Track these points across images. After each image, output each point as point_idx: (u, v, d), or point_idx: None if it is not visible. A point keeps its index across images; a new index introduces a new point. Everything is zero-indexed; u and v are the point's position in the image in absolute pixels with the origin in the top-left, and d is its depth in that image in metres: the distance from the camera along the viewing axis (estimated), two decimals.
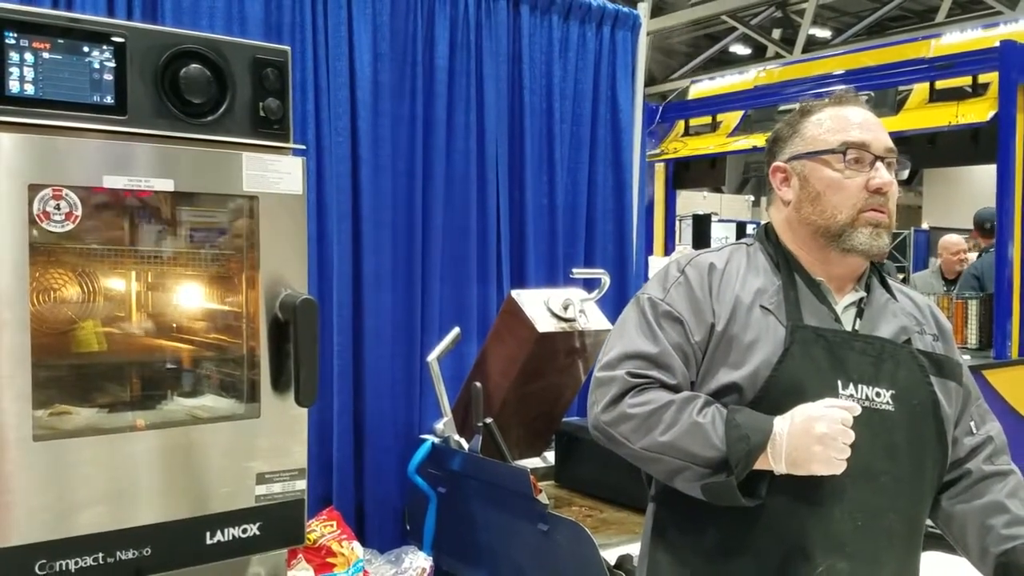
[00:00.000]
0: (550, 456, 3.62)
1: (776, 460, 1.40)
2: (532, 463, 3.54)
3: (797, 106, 1.66)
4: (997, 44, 4.39)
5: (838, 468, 1.39)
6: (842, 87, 1.65)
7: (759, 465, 1.41)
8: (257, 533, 2.05)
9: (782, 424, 1.40)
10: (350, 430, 3.30)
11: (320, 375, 3.16)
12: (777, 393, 1.45)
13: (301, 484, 2.09)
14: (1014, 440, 4.77)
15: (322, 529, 2.76)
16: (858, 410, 1.40)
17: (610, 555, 2.63)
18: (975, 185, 12.13)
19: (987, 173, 4.51)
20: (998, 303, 4.42)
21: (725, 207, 13.86)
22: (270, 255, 2.03)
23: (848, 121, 1.54)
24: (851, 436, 1.38)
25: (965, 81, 4.52)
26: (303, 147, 2.14)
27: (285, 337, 2.01)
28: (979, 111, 4.34)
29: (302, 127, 3.10)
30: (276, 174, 2.03)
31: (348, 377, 3.28)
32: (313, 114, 3.15)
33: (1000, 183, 4.41)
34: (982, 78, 4.42)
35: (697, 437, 1.42)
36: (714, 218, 11.11)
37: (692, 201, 12.87)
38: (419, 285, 3.46)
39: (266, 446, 2.05)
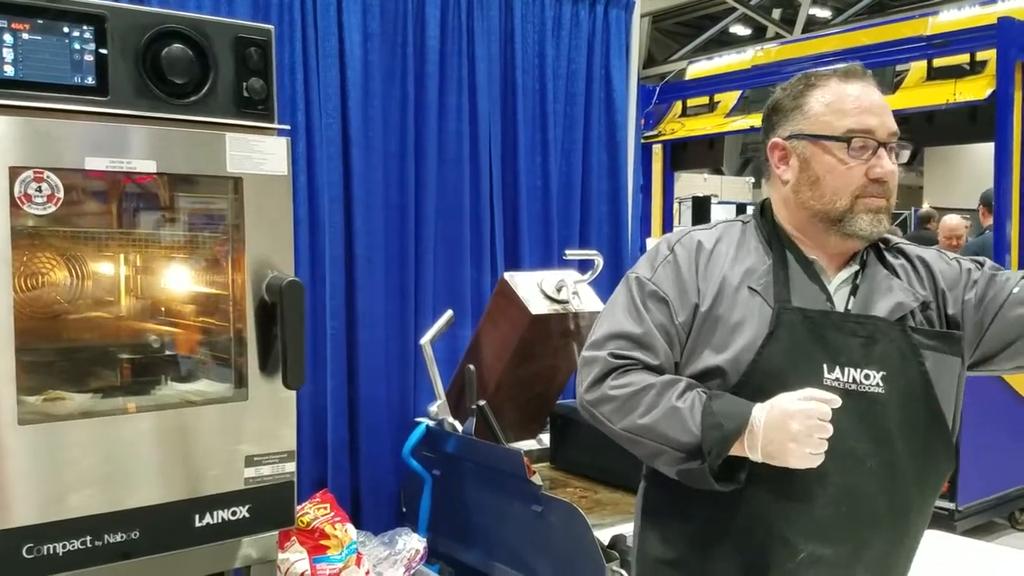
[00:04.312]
0: (545, 438, 3.62)
1: (752, 450, 1.38)
2: (527, 445, 3.55)
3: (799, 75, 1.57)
4: (995, 21, 4.34)
5: (814, 462, 1.36)
6: (847, 63, 1.55)
7: (737, 451, 1.39)
8: (247, 516, 2.05)
9: (760, 413, 1.38)
10: (344, 413, 3.30)
11: (313, 358, 3.19)
12: (760, 377, 1.43)
13: (290, 466, 2.09)
14: (1013, 420, 4.77)
15: (315, 512, 2.76)
16: (838, 402, 1.36)
17: (604, 535, 2.64)
18: (975, 164, 12.07)
19: (987, 152, 4.47)
20: None
21: (725, 189, 13.81)
22: (255, 237, 2.02)
23: (854, 103, 1.47)
24: (828, 431, 1.34)
25: (963, 59, 4.48)
26: (288, 127, 2.12)
27: (272, 319, 2.00)
28: (977, 89, 4.30)
29: (291, 109, 3.08)
30: (260, 155, 2.01)
31: (341, 360, 3.28)
32: (303, 96, 3.13)
33: (998, 161, 4.37)
34: (980, 55, 4.38)
35: (674, 421, 1.41)
36: (714, 200, 11.09)
37: (692, 183, 12.83)
38: (412, 268, 3.45)
39: (255, 429, 2.05)
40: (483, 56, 3.57)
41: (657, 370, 1.48)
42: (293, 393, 2.07)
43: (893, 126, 1.49)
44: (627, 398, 1.45)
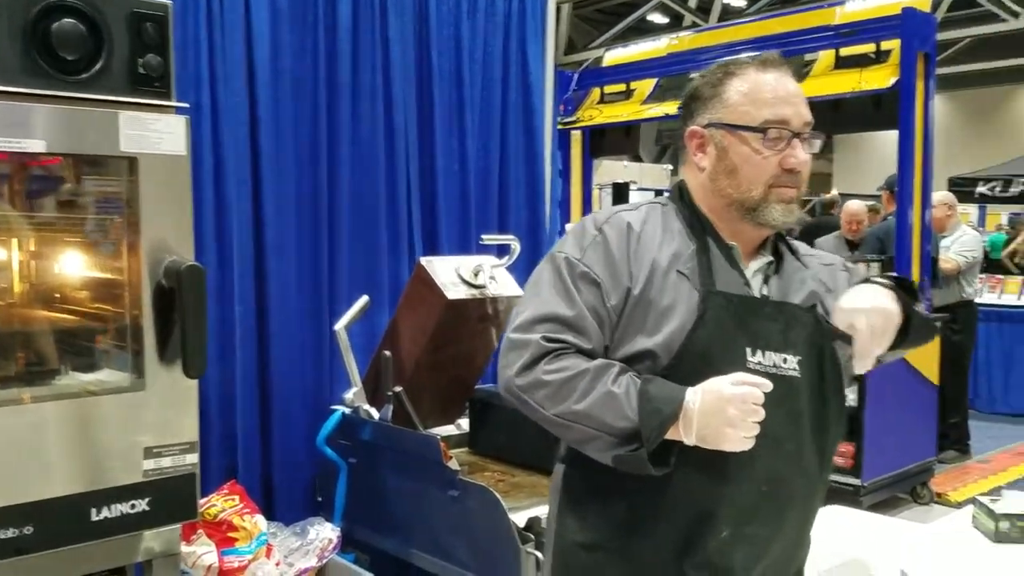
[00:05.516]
0: (464, 423, 3.61)
1: (687, 434, 1.39)
2: (446, 430, 3.54)
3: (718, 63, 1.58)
4: (899, 12, 4.47)
5: (748, 445, 1.38)
6: (765, 52, 1.57)
7: (669, 435, 1.40)
8: (146, 509, 1.98)
9: (693, 397, 1.38)
10: (255, 402, 3.22)
11: (221, 345, 3.11)
12: (690, 360, 1.44)
13: (192, 458, 2.02)
14: (915, 397, 4.94)
15: (223, 503, 2.69)
16: (769, 386, 1.38)
17: (521, 517, 2.65)
18: (882, 151, 12.53)
19: (894, 139, 4.60)
20: (898, 266, 4.55)
21: (645, 176, 13.98)
22: (152, 220, 1.94)
23: (771, 92, 1.50)
24: (761, 415, 1.37)
25: (869, 48, 4.59)
26: (186, 105, 2.04)
27: (171, 305, 1.93)
28: (881, 78, 4.42)
29: (196, 88, 2.98)
30: (157, 134, 1.93)
31: (252, 347, 3.20)
32: (208, 74, 3.03)
33: (901, 149, 4.52)
34: (884, 45, 4.51)
35: (610, 407, 1.40)
36: (633, 187, 11.20)
37: (613, 170, 13.00)
38: (325, 251, 3.39)
39: (153, 419, 1.97)
40: (397, 37, 3.51)
41: (589, 354, 1.47)
42: (194, 382, 2.01)
43: (808, 115, 1.51)
44: (561, 383, 1.43)
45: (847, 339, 1.48)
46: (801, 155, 1.50)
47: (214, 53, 3.06)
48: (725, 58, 1.59)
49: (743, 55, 1.60)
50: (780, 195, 1.50)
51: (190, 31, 2.98)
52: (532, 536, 2.58)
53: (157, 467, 1.98)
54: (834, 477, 4.42)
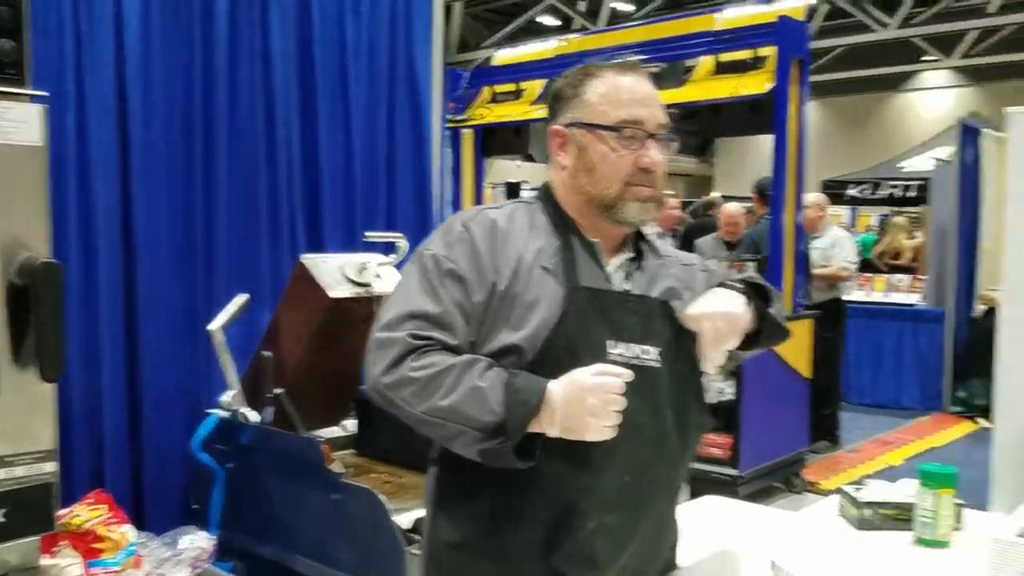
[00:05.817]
0: (351, 424, 3.55)
1: (550, 425, 1.41)
2: (331, 432, 3.47)
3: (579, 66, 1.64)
4: (776, 20, 4.64)
5: (609, 435, 1.41)
6: (624, 58, 1.64)
7: (534, 427, 1.42)
8: (1, 520, 1.86)
9: (556, 388, 1.41)
10: (124, 406, 3.08)
11: (86, 347, 2.95)
12: (555, 353, 1.47)
13: (49, 467, 1.91)
14: (789, 391, 5.11)
15: (88, 513, 2.55)
16: (629, 376, 1.42)
17: (407, 519, 2.62)
18: (763, 155, 13.02)
19: (772, 143, 4.76)
20: (771, 266, 4.74)
21: (537, 176, 14.20)
22: (4, 214, 1.82)
23: (628, 94, 1.55)
24: (622, 404, 1.40)
25: (747, 54, 4.75)
26: (44, 94, 1.93)
27: (25, 305, 1.82)
28: (757, 83, 4.59)
29: (60, 74, 2.82)
30: (11, 123, 1.82)
31: (120, 348, 3.06)
32: (73, 60, 2.87)
33: (776, 152, 4.69)
34: (761, 51, 4.67)
35: (476, 401, 1.41)
36: (525, 186, 11.32)
37: (506, 169, 13.18)
38: (200, 247, 3.26)
39: (6, 426, 1.85)
40: (277, 27, 3.42)
41: (455, 350, 1.47)
42: (52, 386, 1.90)
43: (662, 118, 1.57)
44: (428, 380, 1.43)
45: (693, 339, 1.54)
46: (655, 155, 1.55)
47: (81, 39, 2.90)
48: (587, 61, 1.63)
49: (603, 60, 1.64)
50: (636, 193, 1.55)
51: (53, 15, 2.81)
52: (418, 537, 2.56)
53: (10, 477, 1.86)
54: (712, 468, 4.57)
